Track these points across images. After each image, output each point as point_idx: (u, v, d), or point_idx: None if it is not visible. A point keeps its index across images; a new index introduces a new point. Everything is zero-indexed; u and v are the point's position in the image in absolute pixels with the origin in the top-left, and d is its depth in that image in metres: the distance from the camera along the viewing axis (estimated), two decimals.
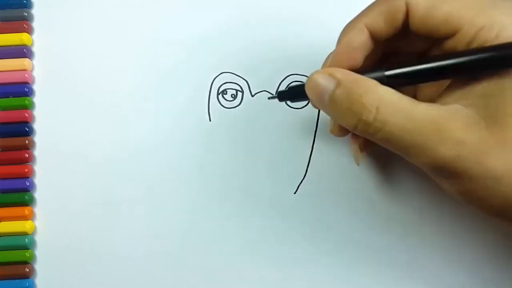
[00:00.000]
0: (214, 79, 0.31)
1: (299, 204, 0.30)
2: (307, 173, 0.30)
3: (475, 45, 0.20)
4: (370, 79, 0.22)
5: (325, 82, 0.22)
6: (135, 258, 0.30)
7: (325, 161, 0.30)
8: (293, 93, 0.26)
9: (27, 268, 0.30)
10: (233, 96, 0.31)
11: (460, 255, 0.29)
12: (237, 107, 0.31)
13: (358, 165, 0.28)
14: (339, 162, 0.30)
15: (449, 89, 0.22)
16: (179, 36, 0.31)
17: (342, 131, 0.26)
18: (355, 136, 0.27)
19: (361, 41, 0.23)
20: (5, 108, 0.31)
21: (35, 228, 0.30)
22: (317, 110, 0.30)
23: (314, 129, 0.30)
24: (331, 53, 0.25)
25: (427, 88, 0.25)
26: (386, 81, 0.22)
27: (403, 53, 0.25)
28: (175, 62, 0.31)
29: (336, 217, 0.30)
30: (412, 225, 0.29)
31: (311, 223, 0.30)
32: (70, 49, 0.32)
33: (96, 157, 0.30)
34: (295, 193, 0.30)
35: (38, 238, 0.30)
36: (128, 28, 0.32)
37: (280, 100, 0.27)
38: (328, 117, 0.30)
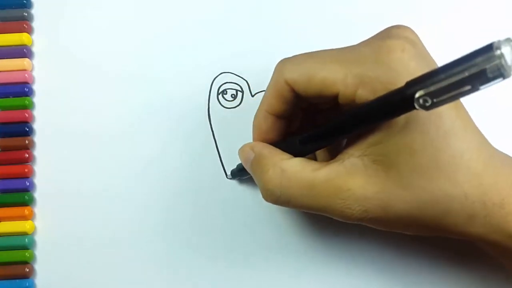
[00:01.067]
0: (214, 79, 0.31)
1: None
2: None
3: (358, 102, 0.21)
4: (278, 154, 0.24)
5: (247, 152, 0.25)
6: (135, 258, 0.30)
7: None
8: (240, 169, 0.28)
9: (27, 268, 0.29)
10: (233, 96, 0.31)
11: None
12: (237, 107, 0.31)
13: None
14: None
15: (348, 143, 0.23)
16: (179, 36, 0.31)
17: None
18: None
19: (268, 126, 0.25)
20: (5, 108, 0.31)
21: (35, 228, 0.30)
22: None
23: None
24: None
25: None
26: (300, 147, 0.24)
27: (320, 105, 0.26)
28: (175, 62, 0.31)
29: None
30: None
31: (311, 223, 0.30)
32: (70, 49, 0.32)
33: (96, 157, 0.30)
34: None
35: (38, 238, 0.30)
36: (128, 28, 0.32)
37: (233, 178, 0.30)
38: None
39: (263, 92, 0.31)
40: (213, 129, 0.31)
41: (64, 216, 0.30)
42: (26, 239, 0.30)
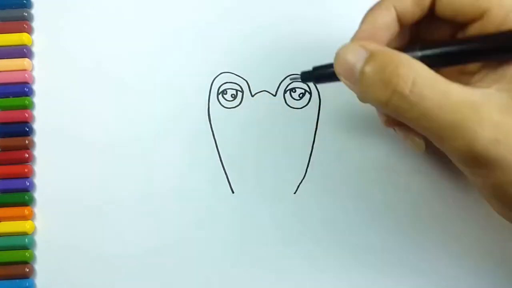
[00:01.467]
0: (214, 79, 0.31)
1: (299, 204, 0.30)
2: (307, 173, 0.30)
3: (505, 27, 0.20)
4: (403, 54, 0.20)
5: (356, 54, 0.21)
6: (135, 258, 0.30)
7: (325, 161, 0.30)
8: (318, 73, 0.24)
9: (27, 268, 0.29)
10: (233, 96, 0.31)
11: (458, 255, 0.29)
12: (237, 107, 0.31)
13: (422, 151, 0.26)
14: (339, 162, 0.30)
15: (479, 74, 0.21)
16: (179, 36, 0.31)
17: (389, 121, 0.25)
18: (403, 127, 0.25)
19: (387, 21, 0.22)
20: (5, 108, 0.31)
21: (35, 228, 0.30)
22: (318, 110, 0.30)
23: (314, 129, 0.30)
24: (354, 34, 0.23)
25: (455, 71, 0.23)
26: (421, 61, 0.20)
27: (427, 41, 0.24)
28: (175, 62, 0.31)
29: (336, 217, 0.30)
30: (413, 224, 0.29)
31: (311, 223, 0.30)
32: (70, 49, 0.32)
33: (96, 158, 0.30)
34: (295, 193, 0.30)
35: (38, 238, 0.30)
36: (128, 28, 0.32)
37: (303, 81, 0.25)
38: (330, 118, 0.30)
39: (263, 92, 0.31)
40: (213, 129, 0.31)
41: (64, 216, 0.30)
42: (26, 239, 0.30)
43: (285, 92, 0.31)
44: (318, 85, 0.31)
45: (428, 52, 0.21)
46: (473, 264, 0.29)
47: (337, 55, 0.22)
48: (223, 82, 0.31)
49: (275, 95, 0.31)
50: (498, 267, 0.29)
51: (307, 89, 0.31)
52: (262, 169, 0.30)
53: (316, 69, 0.25)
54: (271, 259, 0.30)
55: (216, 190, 0.30)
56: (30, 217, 0.30)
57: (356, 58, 0.21)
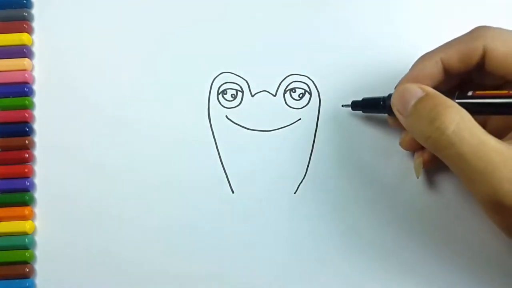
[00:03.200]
0: (214, 79, 0.31)
1: (299, 204, 0.30)
2: (307, 173, 0.30)
3: None
4: (452, 100, 0.23)
5: (413, 92, 0.24)
6: (135, 257, 0.30)
7: (325, 161, 0.30)
8: (368, 104, 0.28)
9: (27, 268, 0.29)
10: (233, 96, 0.31)
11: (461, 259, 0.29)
12: (237, 107, 0.31)
13: (417, 178, 0.29)
14: (339, 162, 0.30)
15: None
16: (179, 36, 0.31)
17: (411, 144, 0.28)
18: (421, 150, 0.28)
19: (433, 72, 0.25)
20: (5, 108, 0.31)
21: (35, 228, 0.30)
22: (317, 110, 0.30)
23: (314, 129, 0.30)
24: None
25: (494, 121, 0.26)
26: (469, 107, 0.23)
27: (474, 84, 0.26)
28: (175, 62, 0.31)
29: (336, 217, 0.30)
30: (414, 225, 0.29)
31: (311, 223, 0.30)
32: (70, 49, 0.32)
33: (96, 157, 0.30)
34: (295, 193, 0.30)
35: (38, 238, 0.30)
36: (128, 28, 0.32)
37: (353, 109, 0.29)
38: (330, 118, 0.30)
39: (263, 92, 0.31)
40: (213, 129, 0.31)
41: (64, 216, 0.30)
42: (26, 239, 0.30)
43: (285, 92, 0.31)
44: (318, 88, 0.31)
45: (470, 101, 0.23)
46: (476, 273, 0.29)
47: (397, 90, 0.25)
48: (223, 82, 0.31)
49: (275, 95, 0.31)
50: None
51: (307, 89, 0.31)
52: (262, 169, 0.30)
53: (366, 100, 0.29)
54: (271, 259, 0.30)
55: (216, 190, 0.30)
56: (30, 217, 0.30)
57: (412, 95, 0.24)
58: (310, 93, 0.31)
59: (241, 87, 0.31)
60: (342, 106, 0.30)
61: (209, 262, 0.30)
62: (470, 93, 0.24)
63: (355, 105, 0.29)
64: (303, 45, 0.31)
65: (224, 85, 0.31)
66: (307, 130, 0.30)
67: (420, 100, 0.24)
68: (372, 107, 0.28)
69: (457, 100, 0.23)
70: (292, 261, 0.29)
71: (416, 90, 0.24)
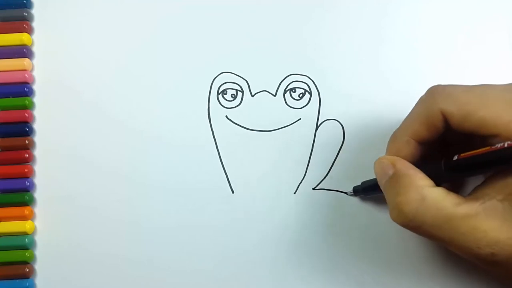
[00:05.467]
0: (214, 79, 0.31)
1: (299, 204, 0.30)
2: (307, 173, 0.30)
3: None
4: (421, 178, 0.23)
5: (386, 167, 0.25)
6: (135, 258, 0.30)
7: (325, 161, 0.30)
8: (365, 187, 0.28)
9: (27, 268, 0.29)
10: (233, 96, 0.31)
11: None
12: (237, 107, 0.31)
13: None
14: (339, 162, 0.30)
15: (488, 182, 0.23)
16: (179, 36, 0.31)
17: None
18: None
19: (410, 150, 0.25)
20: (5, 108, 0.31)
21: (35, 228, 0.30)
22: (317, 110, 0.30)
23: (314, 129, 0.30)
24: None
25: None
26: (446, 174, 0.23)
27: (462, 137, 0.25)
28: (175, 62, 0.31)
29: (336, 217, 0.30)
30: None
31: (311, 223, 0.30)
32: (70, 49, 0.32)
33: (96, 157, 0.31)
34: (295, 193, 0.30)
35: (38, 238, 0.30)
36: (127, 28, 0.32)
37: (356, 195, 0.29)
38: (330, 118, 0.30)
39: (263, 92, 0.31)
40: (213, 129, 0.31)
41: (64, 216, 0.30)
42: (26, 239, 0.30)
43: (285, 92, 0.31)
44: (318, 88, 0.31)
45: (450, 163, 0.23)
46: None
47: (375, 164, 0.26)
48: (223, 82, 0.31)
49: (275, 95, 0.31)
50: None
51: (307, 89, 0.31)
52: (262, 169, 0.30)
53: (364, 182, 0.29)
54: (271, 258, 0.30)
55: (216, 190, 0.30)
56: (30, 217, 0.30)
57: (384, 172, 0.25)
58: (310, 93, 0.31)
59: (241, 87, 0.31)
60: (348, 194, 0.30)
61: (209, 262, 0.30)
62: (455, 157, 0.23)
63: (355, 190, 0.29)
64: (303, 45, 0.31)
65: (224, 85, 0.31)
66: (307, 130, 0.30)
67: (388, 181, 0.24)
68: (369, 189, 0.28)
69: (444, 168, 0.23)
70: (292, 261, 0.29)
71: (388, 166, 0.24)
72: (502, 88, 0.22)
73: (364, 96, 0.30)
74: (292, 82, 0.31)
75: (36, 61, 0.32)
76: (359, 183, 0.29)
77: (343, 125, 0.30)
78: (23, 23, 0.31)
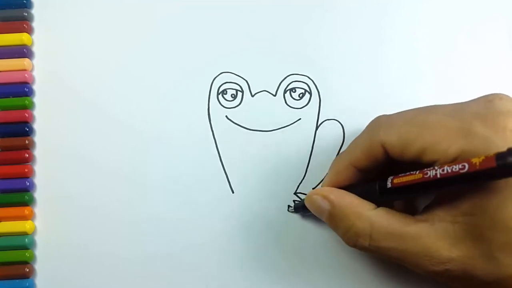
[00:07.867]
0: (214, 79, 0.31)
1: None
2: (307, 173, 0.30)
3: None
4: (361, 204, 0.24)
5: (321, 203, 0.25)
6: (135, 258, 0.30)
7: (325, 161, 0.30)
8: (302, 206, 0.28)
9: (27, 268, 0.29)
10: (233, 96, 0.31)
11: None
12: (237, 107, 0.31)
13: None
14: None
15: (438, 203, 0.23)
16: (179, 36, 0.31)
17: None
18: None
19: (349, 175, 0.25)
20: (5, 108, 0.31)
21: (35, 228, 0.30)
22: (317, 110, 0.30)
23: (314, 128, 0.30)
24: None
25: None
26: (379, 197, 0.24)
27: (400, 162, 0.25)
28: (175, 62, 0.31)
29: None
30: None
31: (311, 223, 0.30)
32: (70, 49, 0.32)
33: (96, 157, 0.31)
34: (295, 193, 0.30)
35: (38, 238, 0.30)
36: (127, 28, 0.32)
37: (296, 212, 0.29)
38: (330, 118, 0.30)
39: (263, 92, 0.31)
40: (213, 129, 0.31)
41: (64, 216, 0.30)
42: (26, 239, 0.30)
43: (285, 92, 0.31)
44: (318, 88, 0.31)
45: (384, 187, 0.23)
46: None
47: (307, 200, 0.26)
48: (223, 82, 0.31)
49: (275, 95, 0.31)
50: None
51: (307, 89, 0.31)
52: (262, 169, 0.30)
53: (298, 206, 0.29)
54: (271, 259, 0.30)
55: (216, 190, 0.30)
56: (30, 217, 0.30)
57: (321, 209, 0.25)
58: (310, 93, 0.31)
59: (241, 87, 0.31)
60: (289, 211, 0.30)
61: (209, 262, 0.30)
62: (389, 183, 0.23)
63: (296, 208, 0.29)
64: (303, 45, 0.31)
65: (224, 85, 0.31)
66: (307, 130, 0.30)
67: (328, 217, 0.25)
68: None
69: (379, 192, 0.24)
70: (293, 260, 0.29)
71: (322, 202, 0.25)
72: (446, 112, 0.23)
73: (364, 96, 0.30)
74: (292, 82, 0.31)
75: (36, 61, 0.32)
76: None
77: (343, 125, 0.30)
78: (23, 23, 0.31)
